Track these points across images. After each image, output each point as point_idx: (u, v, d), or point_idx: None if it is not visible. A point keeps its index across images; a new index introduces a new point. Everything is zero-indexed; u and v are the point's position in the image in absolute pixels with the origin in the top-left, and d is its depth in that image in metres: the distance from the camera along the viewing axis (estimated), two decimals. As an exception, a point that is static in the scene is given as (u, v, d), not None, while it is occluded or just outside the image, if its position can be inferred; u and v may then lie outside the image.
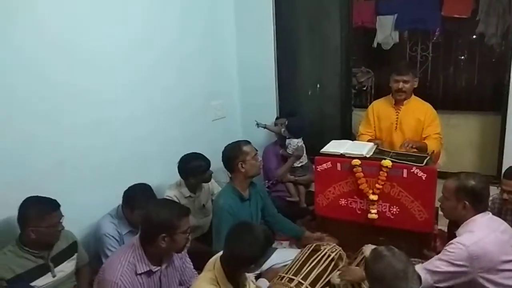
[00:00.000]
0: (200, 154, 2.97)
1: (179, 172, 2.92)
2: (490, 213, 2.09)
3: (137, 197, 2.47)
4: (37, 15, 2.31)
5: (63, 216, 2.09)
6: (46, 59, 2.37)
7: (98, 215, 2.61)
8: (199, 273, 2.12)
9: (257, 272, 2.45)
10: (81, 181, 2.59)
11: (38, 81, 2.34)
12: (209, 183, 3.17)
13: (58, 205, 2.07)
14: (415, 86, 3.14)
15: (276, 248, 2.88)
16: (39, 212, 2.00)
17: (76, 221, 2.44)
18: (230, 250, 1.84)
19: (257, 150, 2.79)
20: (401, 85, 3.06)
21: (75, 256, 2.26)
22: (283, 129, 3.62)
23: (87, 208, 2.59)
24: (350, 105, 4.10)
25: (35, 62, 2.31)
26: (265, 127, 3.72)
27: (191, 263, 2.20)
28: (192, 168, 2.90)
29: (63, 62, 2.46)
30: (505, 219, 2.26)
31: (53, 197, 2.12)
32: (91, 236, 2.61)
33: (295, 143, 3.58)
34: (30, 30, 2.27)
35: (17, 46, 2.22)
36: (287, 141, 3.60)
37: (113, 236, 2.47)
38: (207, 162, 2.95)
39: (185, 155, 2.94)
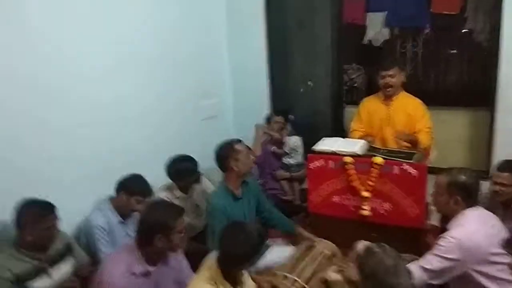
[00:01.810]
0: (187, 156, 2.96)
1: (167, 175, 2.93)
2: (481, 208, 2.13)
3: (137, 183, 2.52)
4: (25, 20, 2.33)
5: (58, 218, 2.09)
6: (37, 65, 2.39)
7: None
8: (195, 273, 2.14)
9: (253, 269, 2.48)
10: (76, 182, 2.61)
11: (29, 84, 2.35)
12: (202, 182, 3.18)
13: (54, 208, 2.08)
14: (403, 80, 3.17)
15: (270, 245, 2.90)
16: (35, 215, 2.01)
17: (67, 219, 2.45)
18: (223, 250, 1.86)
19: (249, 148, 2.80)
20: (387, 79, 3.09)
21: (71, 257, 2.26)
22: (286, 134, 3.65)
23: (79, 208, 2.61)
24: (342, 102, 4.13)
25: (27, 70, 2.34)
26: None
27: (187, 263, 2.21)
28: (179, 170, 2.90)
29: (56, 66, 2.49)
30: (494, 213, 2.31)
31: (47, 187, 2.16)
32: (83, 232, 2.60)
33: (294, 141, 3.60)
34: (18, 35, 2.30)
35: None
36: (286, 138, 3.62)
37: (103, 228, 2.47)
38: (194, 164, 2.94)
39: (172, 158, 2.94)
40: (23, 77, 2.33)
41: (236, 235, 1.86)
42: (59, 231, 2.13)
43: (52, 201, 2.13)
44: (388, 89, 3.12)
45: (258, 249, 1.88)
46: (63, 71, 2.54)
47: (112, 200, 2.57)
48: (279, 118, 3.73)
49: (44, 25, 2.42)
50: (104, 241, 2.46)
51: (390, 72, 3.08)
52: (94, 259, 2.42)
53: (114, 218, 2.53)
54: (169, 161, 2.93)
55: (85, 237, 2.52)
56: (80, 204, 2.60)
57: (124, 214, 2.56)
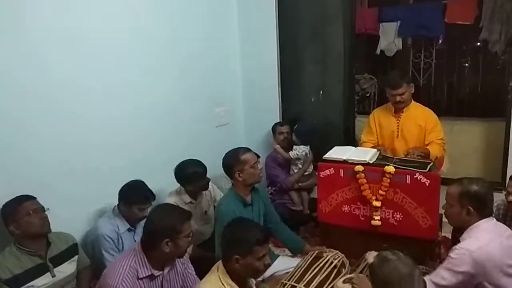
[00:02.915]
0: (197, 160, 2.96)
1: (176, 178, 2.93)
2: (495, 219, 2.07)
3: (134, 193, 2.51)
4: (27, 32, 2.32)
5: (43, 207, 2.11)
6: (51, 58, 2.40)
7: (98, 218, 2.65)
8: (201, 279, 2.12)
9: (260, 278, 2.44)
10: (87, 183, 2.63)
11: (44, 77, 2.36)
12: (211, 189, 3.17)
13: (31, 196, 2.10)
14: (412, 91, 3.13)
15: (279, 255, 2.87)
16: (13, 205, 2.04)
17: (77, 223, 2.55)
18: (224, 240, 1.89)
19: (259, 157, 2.76)
20: (398, 98, 3.05)
21: (75, 258, 2.27)
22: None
23: (89, 211, 2.66)
24: (353, 112, 4.10)
25: (41, 59, 2.35)
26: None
27: (193, 269, 2.19)
28: (188, 175, 2.90)
29: (66, 76, 2.51)
30: (509, 225, 2.25)
31: (60, 198, 2.17)
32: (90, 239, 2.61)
33: (302, 150, 3.57)
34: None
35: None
36: (294, 147, 3.60)
37: (110, 237, 2.47)
38: (204, 169, 2.94)
39: (181, 162, 2.94)
40: (26, 90, 2.32)
41: (236, 228, 1.89)
42: (46, 217, 2.11)
43: (63, 210, 2.17)
44: (399, 105, 3.10)
45: (252, 246, 1.82)
46: (75, 81, 2.55)
47: (118, 208, 2.58)
48: (284, 128, 3.72)
49: (48, 37, 2.41)
50: (111, 250, 2.45)
51: (400, 91, 3.03)
52: (98, 268, 2.38)
53: (122, 226, 2.53)
54: (179, 165, 2.93)
55: (92, 245, 2.52)
56: (93, 206, 2.67)
57: (131, 221, 2.56)
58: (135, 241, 2.54)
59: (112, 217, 2.55)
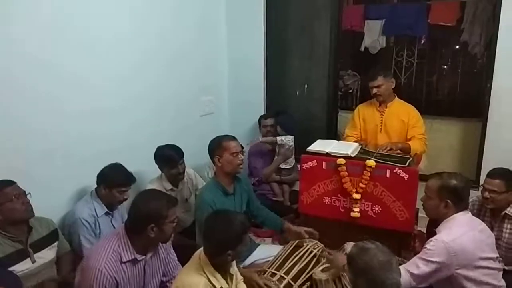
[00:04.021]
0: (174, 145, 3.00)
1: (155, 159, 2.98)
2: (470, 213, 2.15)
3: (115, 175, 2.51)
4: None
5: (25, 191, 2.07)
6: (40, 46, 2.37)
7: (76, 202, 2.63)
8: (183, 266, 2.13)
9: (240, 266, 2.47)
10: (68, 169, 2.59)
11: (31, 67, 2.33)
12: (193, 177, 3.19)
13: (12, 182, 2.06)
14: (393, 86, 3.20)
15: (259, 244, 2.90)
16: None
17: (55, 207, 2.52)
18: (206, 236, 1.88)
19: (243, 148, 2.77)
20: (375, 90, 3.14)
21: (55, 244, 2.25)
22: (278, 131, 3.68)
23: (73, 196, 2.63)
24: (336, 107, 4.15)
25: (29, 49, 2.32)
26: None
27: (175, 255, 2.21)
28: (164, 157, 2.95)
29: (56, 51, 2.48)
30: (483, 220, 2.34)
31: (39, 185, 2.12)
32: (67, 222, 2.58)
33: (287, 139, 3.61)
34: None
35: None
36: (280, 137, 3.63)
37: (87, 222, 2.46)
38: (180, 155, 2.98)
39: (160, 145, 3.00)
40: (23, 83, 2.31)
41: (217, 221, 1.88)
42: (28, 202, 2.08)
43: (40, 194, 2.14)
44: (377, 97, 3.18)
45: (240, 235, 1.86)
46: (59, 69, 2.52)
47: (97, 191, 2.56)
48: (268, 121, 3.74)
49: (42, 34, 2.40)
50: (88, 235, 2.44)
51: (375, 84, 3.12)
52: (75, 252, 2.40)
53: (100, 209, 2.53)
54: (158, 147, 2.99)
55: (69, 229, 2.49)
56: (76, 191, 2.66)
57: (110, 205, 2.56)
58: (112, 225, 2.55)
59: (89, 201, 2.53)
